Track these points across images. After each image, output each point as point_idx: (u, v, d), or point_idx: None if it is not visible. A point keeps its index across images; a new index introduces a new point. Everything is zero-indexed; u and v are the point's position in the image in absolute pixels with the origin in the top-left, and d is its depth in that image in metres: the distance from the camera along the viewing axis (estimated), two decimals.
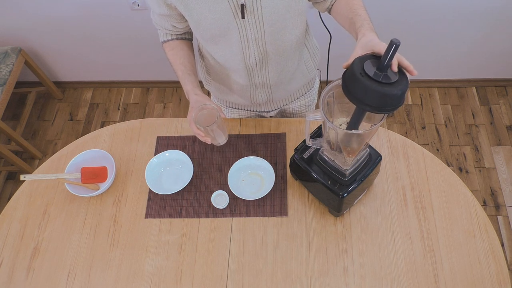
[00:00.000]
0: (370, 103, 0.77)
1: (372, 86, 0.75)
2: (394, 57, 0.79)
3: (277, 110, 1.38)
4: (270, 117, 1.41)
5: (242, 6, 0.93)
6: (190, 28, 1.15)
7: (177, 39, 1.19)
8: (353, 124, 0.88)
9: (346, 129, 0.91)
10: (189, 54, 1.19)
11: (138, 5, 1.97)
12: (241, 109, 1.38)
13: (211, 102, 1.08)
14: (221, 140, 1.17)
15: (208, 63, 1.22)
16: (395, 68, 0.78)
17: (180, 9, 0.99)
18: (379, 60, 0.78)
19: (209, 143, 1.10)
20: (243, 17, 0.95)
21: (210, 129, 1.08)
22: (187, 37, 1.21)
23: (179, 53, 1.16)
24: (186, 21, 1.08)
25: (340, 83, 0.82)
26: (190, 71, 1.15)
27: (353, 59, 0.82)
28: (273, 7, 0.95)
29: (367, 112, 0.85)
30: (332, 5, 1.07)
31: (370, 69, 0.77)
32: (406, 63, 0.81)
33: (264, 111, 1.37)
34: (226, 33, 1.00)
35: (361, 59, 0.80)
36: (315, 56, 1.27)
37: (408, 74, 0.82)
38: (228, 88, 1.25)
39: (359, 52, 0.85)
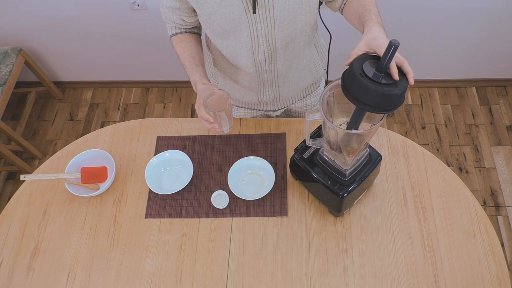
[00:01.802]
0: (370, 103, 0.77)
1: (372, 87, 0.75)
2: (397, 60, 0.79)
3: (283, 109, 1.38)
4: (276, 116, 1.41)
5: (254, 1, 0.93)
6: (199, 23, 1.14)
7: (185, 32, 1.18)
8: (353, 124, 0.88)
9: (346, 129, 0.91)
10: (197, 46, 1.18)
11: (138, 5, 1.97)
12: (248, 108, 1.38)
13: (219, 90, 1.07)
14: (226, 128, 1.15)
15: (216, 59, 1.22)
16: (396, 76, 0.77)
17: (191, 2, 0.98)
18: (378, 61, 0.77)
19: (216, 130, 1.10)
20: (254, 12, 0.95)
21: (219, 115, 1.07)
22: (196, 31, 1.20)
23: (187, 45, 1.16)
24: (196, 15, 1.07)
25: (340, 83, 0.82)
26: (198, 62, 1.14)
27: (355, 55, 0.82)
28: (285, 3, 0.95)
29: (367, 112, 0.85)
30: (345, 4, 1.07)
31: (369, 69, 0.77)
32: (407, 68, 0.80)
33: (270, 110, 1.37)
34: (236, 28, 1.00)
35: (360, 60, 0.80)
36: (323, 55, 1.27)
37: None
38: (236, 83, 1.24)
39: (362, 48, 0.84)
